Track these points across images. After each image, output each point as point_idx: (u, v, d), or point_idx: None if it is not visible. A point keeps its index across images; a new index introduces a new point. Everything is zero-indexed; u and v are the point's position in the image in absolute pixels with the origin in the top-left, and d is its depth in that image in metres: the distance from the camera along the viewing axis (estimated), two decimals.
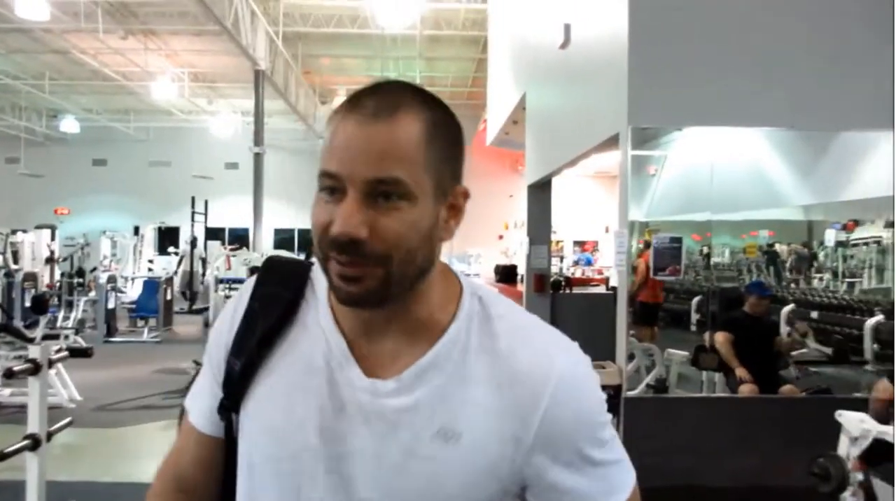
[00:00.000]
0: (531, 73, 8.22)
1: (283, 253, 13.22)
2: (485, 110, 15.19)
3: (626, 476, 0.84)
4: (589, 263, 17.60)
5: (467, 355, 0.80)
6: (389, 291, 0.77)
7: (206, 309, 8.71)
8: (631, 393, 4.39)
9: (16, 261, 12.59)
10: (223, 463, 0.91)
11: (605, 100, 4.91)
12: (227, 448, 0.90)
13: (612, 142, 4.78)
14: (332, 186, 0.75)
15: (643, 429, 3.97)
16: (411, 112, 0.76)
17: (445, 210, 0.80)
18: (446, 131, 0.80)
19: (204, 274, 14.93)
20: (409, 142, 0.75)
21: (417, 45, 15.83)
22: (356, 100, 0.77)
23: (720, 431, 4.17)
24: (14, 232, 13.93)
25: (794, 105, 4.32)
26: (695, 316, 6.68)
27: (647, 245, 5.84)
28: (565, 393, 0.79)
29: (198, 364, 7.77)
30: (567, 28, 6.07)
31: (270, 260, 0.94)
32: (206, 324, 8.40)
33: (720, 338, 5.07)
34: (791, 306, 6.06)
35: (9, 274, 7.97)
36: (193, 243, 15.67)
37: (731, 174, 6.77)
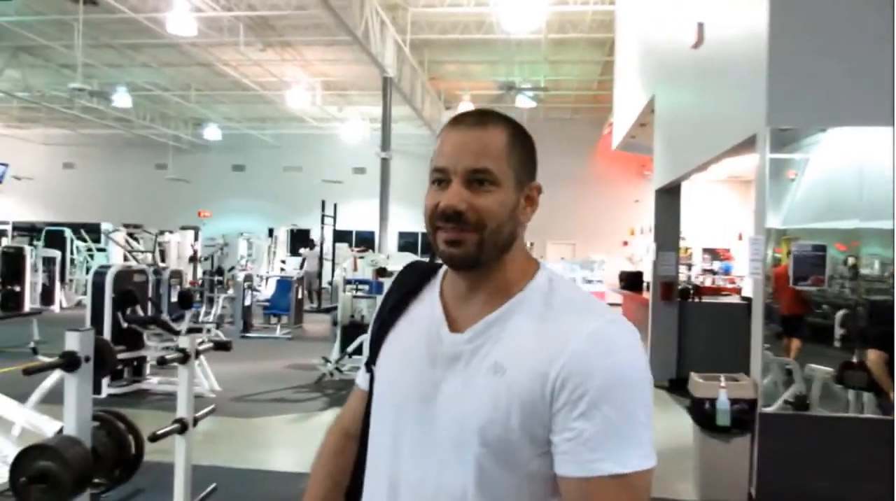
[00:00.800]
0: (661, 75, 7.98)
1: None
2: (610, 114, 14.87)
3: (639, 459, 0.92)
4: (727, 271, 16.84)
5: (526, 314, 1.02)
6: (482, 255, 1.02)
7: (335, 308, 9.04)
8: (767, 409, 4.15)
9: (163, 260, 13.61)
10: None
11: (742, 101, 4.69)
12: (369, 398, 1.15)
13: (747, 144, 4.56)
14: (440, 178, 1.03)
15: (780, 447, 3.75)
16: (499, 125, 1.04)
17: (523, 199, 1.06)
18: (523, 141, 1.07)
19: (325, 274, 15.51)
20: (497, 144, 1.03)
21: (542, 49, 15.73)
22: (459, 119, 1.06)
23: (867, 455, 3.87)
24: (162, 232, 15.09)
25: None
26: (839, 331, 6.20)
27: (786, 254, 5.51)
28: (592, 343, 0.95)
29: (326, 361, 8.13)
30: (700, 27, 5.86)
31: (411, 262, 1.24)
32: (335, 323, 8.71)
33: (873, 357, 4.69)
34: None
35: (157, 272, 8.60)
36: (311, 245, 16.30)
37: (883, 179, 6.25)
